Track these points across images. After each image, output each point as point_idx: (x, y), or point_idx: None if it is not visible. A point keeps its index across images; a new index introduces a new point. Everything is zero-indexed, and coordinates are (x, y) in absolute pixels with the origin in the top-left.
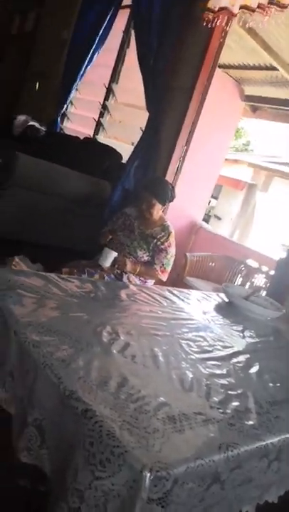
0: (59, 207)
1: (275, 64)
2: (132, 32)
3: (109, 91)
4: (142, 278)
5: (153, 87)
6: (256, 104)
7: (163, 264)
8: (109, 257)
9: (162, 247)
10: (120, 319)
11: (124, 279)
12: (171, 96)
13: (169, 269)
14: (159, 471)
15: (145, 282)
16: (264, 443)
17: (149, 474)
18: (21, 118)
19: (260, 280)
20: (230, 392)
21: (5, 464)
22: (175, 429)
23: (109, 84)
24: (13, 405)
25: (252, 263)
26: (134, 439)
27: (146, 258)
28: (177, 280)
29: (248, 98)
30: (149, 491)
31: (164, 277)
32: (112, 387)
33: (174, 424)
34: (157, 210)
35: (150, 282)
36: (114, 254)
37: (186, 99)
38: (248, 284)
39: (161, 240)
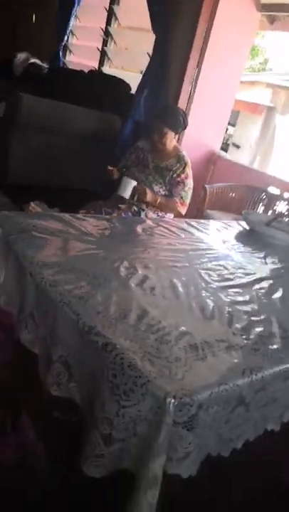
0: (69, 147)
1: None
2: None
3: (110, 14)
4: (160, 213)
5: (158, 4)
6: (274, 14)
7: (182, 197)
8: (129, 186)
9: (179, 179)
10: (137, 254)
11: (142, 215)
12: (178, 11)
13: (187, 201)
14: (183, 398)
15: (163, 217)
16: (288, 365)
17: (173, 400)
18: (21, 56)
19: (282, 207)
20: (253, 318)
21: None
22: (197, 357)
23: (110, 6)
24: (37, 345)
25: (274, 190)
26: (155, 369)
27: (163, 192)
28: (197, 214)
29: (265, 7)
30: (174, 415)
31: (183, 210)
32: (132, 319)
33: (196, 352)
34: (170, 140)
35: (168, 216)
36: (134, 183)
37: (195, 15)
38: (270, 211)
39: (178, 172)
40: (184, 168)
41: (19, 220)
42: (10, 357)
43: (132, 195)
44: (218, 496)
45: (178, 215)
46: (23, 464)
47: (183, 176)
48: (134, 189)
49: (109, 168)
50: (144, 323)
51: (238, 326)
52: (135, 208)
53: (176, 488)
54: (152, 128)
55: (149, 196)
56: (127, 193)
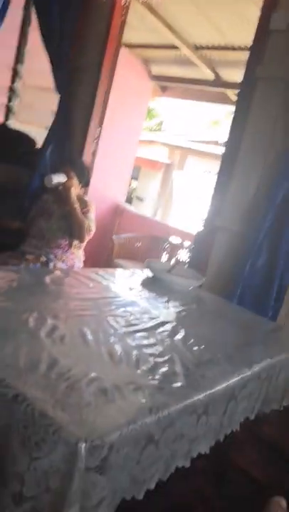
0: None
1: (177, 43)
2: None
3: (15, 73)
4: (68, 263)
5: (59, 67)
6: (165, 83)
7: (89, 225)
8: (59, 177)
9: (82, 212)
10: (46, 304)
11: (51, 266)
12: (79, 76)
13: (93, 230)
14: (94, 440)
15: (72, 266)
16: (192, 400)
17: (84, 444)
18: None
19: (183, 255)
20: (158, 359)
21: None
22: (107, 400)
23: (15, 65)
24: None
25: (175, 240)
26: (67, 416)
27: (66, 239)
28: (106, 263)
29: (156, 77)
30: (85, 460)
31: (88, 236)
32: (42, 369)
33: (105, 396)
34: (75, 186)
35: (77, 263)
36: (64, 178)
37: (95, 78)
38: (173, 259)
39: (80, 209)
40: (87, 205)
41: None
42: None
43: (56, 188)
44: None
45: (81, 238)
46: None
47: (85, 210)
48: (61, 183)
49: (6, 220)
50: (54, 372)
51: (144, 367)
52: (43, 259)
53: None
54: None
55: (72, 194)
56: (54, 180)
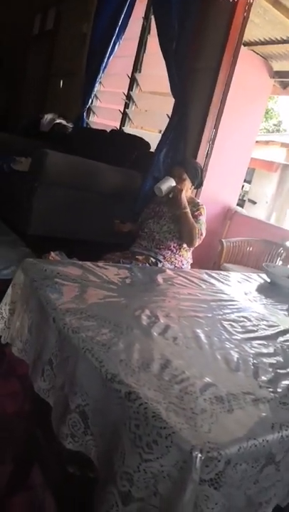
0: (91, 200)
1: None
2: (152, 18)
3: (132, 81)
4: (176, 265)
5: (177, 71)
6: (286, 80)
7: (200, 228)
8: (166, 183)
9: (194, 215)
10: (159, 303)
11: (160, 266)
12: (196, 78)
13: (204, 233)
14: (210, 452)
15: (181, 268)
16: None
17: (199, 455)
18: (48, 116)
19: None
20: (279, 371)
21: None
22: (224, 409)
23: (132, 73)
24: (52, 394)
25: None
26: (181, 420)
27: (176, 241)
28: (214, 267)
29: (277, 74)
30: (200, 471)
31: (199, 241)
32: (155, 369)
33: (222, 404)
34: (187, 188)
35: (185, 266)
36: (173, 182)
37: (212, 80)
38: None
39: (192, 212)
40: (198, 209)
41: (43, 267)
42: (23, 407)
43: (167, 194)
44: None
45: (192, 243)
46: None
47: (197, 213)
48: (172, 188)
49: (116, 221)
50: (167, 373)
51: (264, 378)
52: (152, 260)
53: None
54: (172, 174)
55: (183, 198)
56: (164, 188)
